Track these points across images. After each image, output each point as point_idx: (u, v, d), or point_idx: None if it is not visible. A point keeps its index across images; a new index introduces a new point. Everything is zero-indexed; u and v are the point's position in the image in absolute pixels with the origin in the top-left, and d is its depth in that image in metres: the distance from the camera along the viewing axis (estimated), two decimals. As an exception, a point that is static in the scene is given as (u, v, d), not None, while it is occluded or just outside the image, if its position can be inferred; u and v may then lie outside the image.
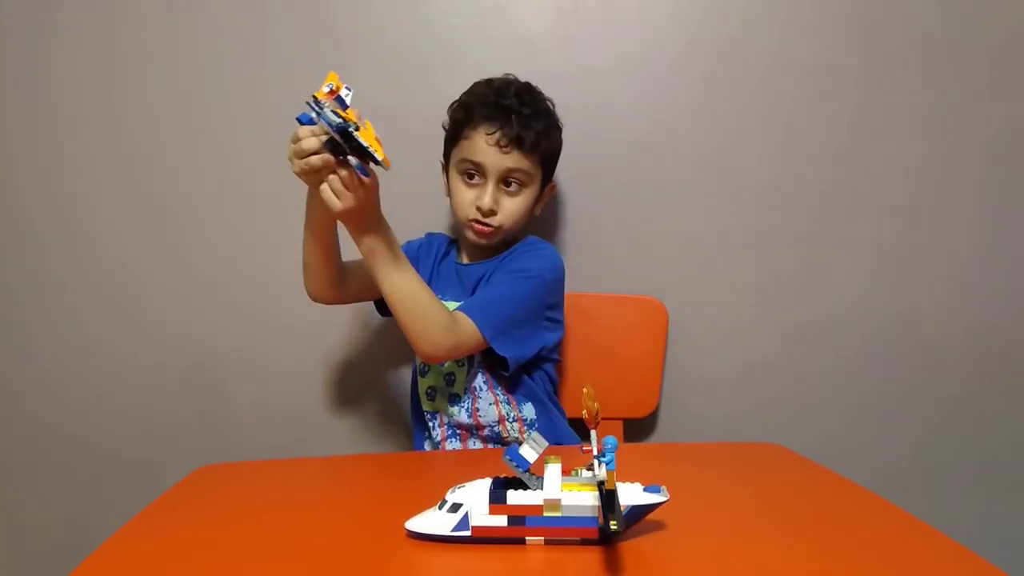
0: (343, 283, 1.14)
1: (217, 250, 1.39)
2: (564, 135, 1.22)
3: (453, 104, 1.19)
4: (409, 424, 1.27)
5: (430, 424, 1.20)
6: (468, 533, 0.67)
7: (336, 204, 0.91)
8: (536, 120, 1.14)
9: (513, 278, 1.13)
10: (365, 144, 0.85)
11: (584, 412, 0.65)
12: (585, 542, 0.67)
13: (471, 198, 1.15)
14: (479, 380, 1.16)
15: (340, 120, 0.85)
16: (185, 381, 1.41)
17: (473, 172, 1.15)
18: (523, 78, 1.20)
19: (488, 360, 1.14)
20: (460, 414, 1.16)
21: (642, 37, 1.34)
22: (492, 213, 1.14)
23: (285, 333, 1.39)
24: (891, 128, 1.36)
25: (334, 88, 0.86)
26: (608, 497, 0.62)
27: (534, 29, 1.34)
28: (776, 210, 1.38)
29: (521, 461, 0.66)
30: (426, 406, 1.20)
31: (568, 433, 1.21)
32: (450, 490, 0.69)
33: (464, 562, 0.66)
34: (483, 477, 0.70)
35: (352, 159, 0.89)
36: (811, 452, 0.98)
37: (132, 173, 1.38)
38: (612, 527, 0.59)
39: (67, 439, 1.42)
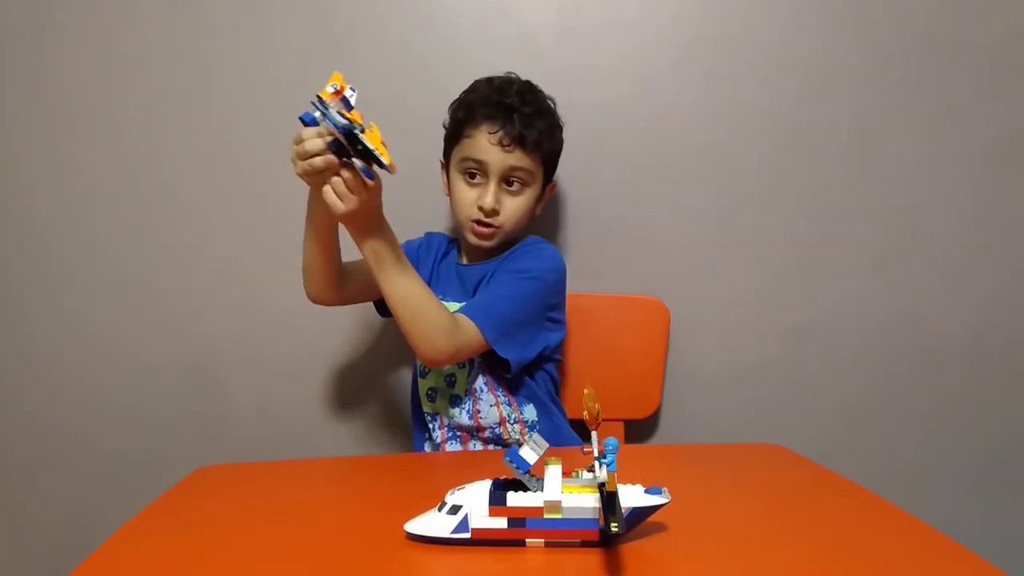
0: (343, 285, 1.14)
1: (217, 250, 1.39)
2: (565, 134, 1.21)
3: (454, 103, 1.19)
4: (409, 425, 1.27)
5: (430, 426, 1.20)
6: (468, 535, 0.67)
7: (339, 206, 0.90)
8: (538, 119, 1.14)
9: (514, 279, 1.12)
10: (371, 147, 0.85)
11: (585, 413, 0.65)
12: (586, 544, 0.67)
13: (472, 198, 1.14)
14: (480, 381, 1.15)
15: (346, 122, 0.84)
16: (185, 381, 1.41)
17: (475, 171, 1.14)
18: (524, 76, 1.19)
19: (489, 361, 1.13)
20: (461, 416, 1.15)
21: (644, 36, 1.34)
22: (494, 213, 1.14)
23: (285, 333, 1.39)
24: (891, 128, 1.36)
25: (339, 88, 0.84)
26: (609, 499, 0.62)
27: (536, 27, 1.34)
28: (777, 210, 1.38)
29: (521, 463, 0.66)
30: (426, 408, 1.20)
31: (569, 434, 1.21)
32: (450, 492, 0.69)
33: (464, 564, 0.66)
34: (483, 479, 0.70)
35: (357, 161, 0.88)
36: (811, 452, 0.98)
37: (132, 173, 1.38)
38: (613, 529, 0.58)
39: (67, 439, 1.42)
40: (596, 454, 0.66)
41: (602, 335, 1.34)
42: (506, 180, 1.15)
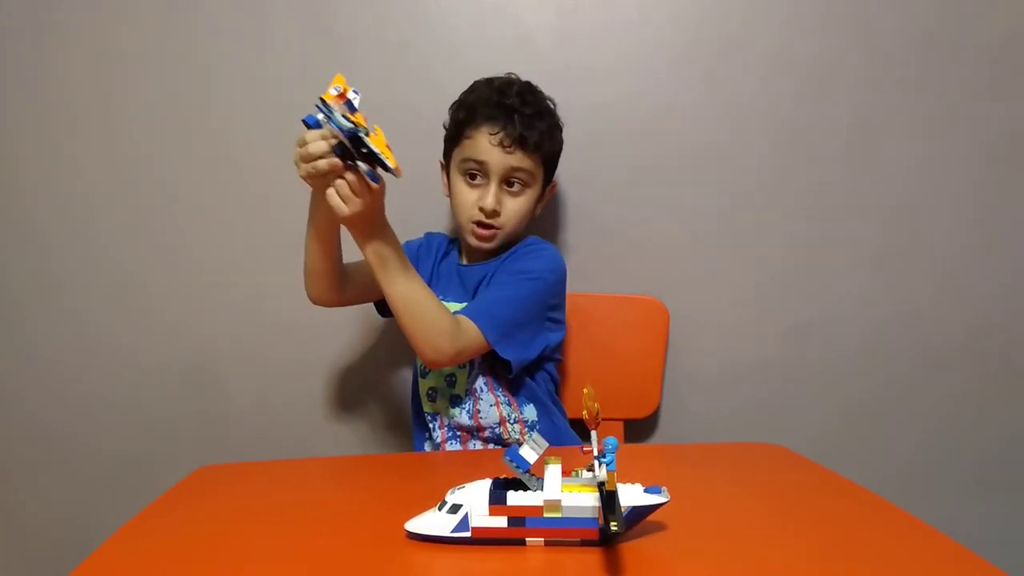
0: (344, 286, 1.14)
1: (217, 250, 1.39)
2: (564, 134, 1.22)
3: (454, 104, 1.19)
4: (409, 425, 1.27)
5: (431, 425, 1.20)
6: (468, 534, 0.67)
7: (343, 209, 0.90)
8: (539, 120, 1.14)
9: (515, 280, 1.12)
10: (377, 151, 0.85)
11: (584, 413, 0.65)
12: (585, 543, 0.67)
13: (473, 199, 1.15)
14: (480, 381, 1.15)
15: (351, 125, 0.84)
16: (185, 381, 1.41)
17: (475, 172, 1.14)
18: (523, 77, 1.19)
19: (490, 361, 1.13)
20: (461, 416, 1.15)
21: (642, 36, 1.34)
22: (495, 213, 1.14)
23: (285, 333, 1.39)
24: (891, 128, 1.36)
25: (342, 91, 0.84)
26: (608, 498, 0.62)
27: (534, 28, 1.34)
28: (776, 210, 1.38)
29: (521, 462, 0.66)
30: (427, 407, 1.20)
31: (569, 434, 1.21)
32: (450, 491, 0.69)
33: (464, 563, 0.66)
34: (483, 478, 0.70)
35: (362, 165, 0.88)
36: (811, 452, 0.98)
37: (132, 173, 1.38)
38: (612, 528, 0.58)
39: (67, 439, 1.42)
40: (596, 453, 0.66)
41: (602, 335, 1.34)
42: (507, 181, 1.15)
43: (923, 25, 1.34)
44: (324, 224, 1.03)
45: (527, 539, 0.68)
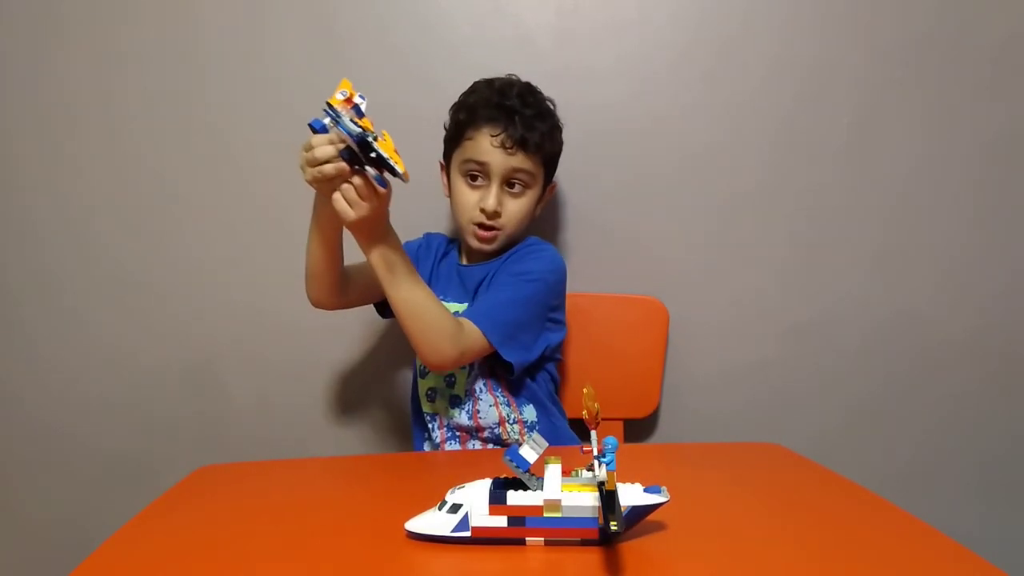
0: (345, 289, 1.14)
1: (217, 250, 1.39)
2: (564, 135, 1.22)
3: (454, 104, 1.19)
4: (409, 425, 1.27)
5: (430, 426, 1.20)
6: (468, 534, 0.67)
7: (349, 214, 0.90)
8: (540, 121, 1.14)
9: (516, 281, 1.12)
10: (386, 156, 0.85)
11: (584, 412, 0.65)
12: (585, 543, 0.67)
13: (474, 200, 1.15)
14: (480, 382, 1.15)
15: (360, 130, 0.84)
16: (185, 381, 1.41)
17: (477, 173, 1.14)
18: (523, 77, 1.19)
19: (490, 362, 1.13)
20: (460, 416, 1.15)
21: (641, 37, 1.34)
22: (497, 215, 1.14)
23: (285, 333, 1.39)
24: (891, 128, 1.36)
25: (348, 95, 0.84)
26: (608, 498, 0.62)
27: (534, 28, 1.34)
28: (776, 210, 1.38)
29: (521, 461, 0.66)
30: (426, 408, 1.20)
31: (568, 435, 1.21)
32: (450, 491, 0.69)
33: (464, 563, 0.66)
34: (483, 478, 0.70)
35: (370, 170, 0.87)
36: (811, 452, 0.98)
37: (132, 173, 1.38)
38: (612, 528, 0.59)
39: (67, 439, 1.42)
40: (595, 453, 0.66)
41: (602, 335, 1.34)
42: (507, 182, 1.15)
43: (923, 25, 1.34)
44: (328, 227, 1.03)
45: (527, 539, 0.68)
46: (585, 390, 0.65)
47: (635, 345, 1.35)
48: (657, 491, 0.67)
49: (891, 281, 1.39)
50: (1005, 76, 1.35)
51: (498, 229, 1.15)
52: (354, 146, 0.86)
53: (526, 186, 1.16)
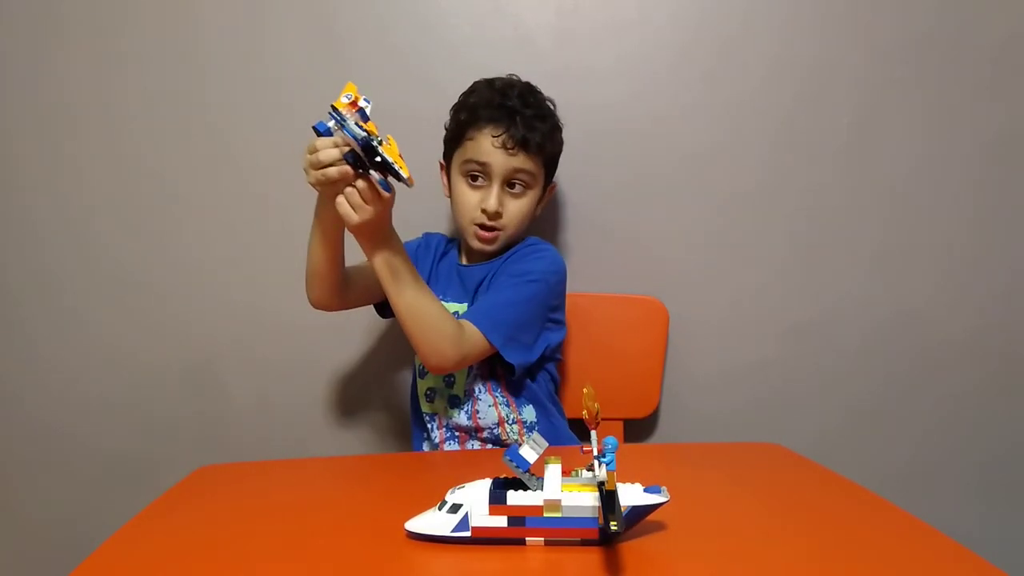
0: (346, 291, 1.14)
1: (217, 250, 1.39)
2: (564, 135, 1.22)
3: (455, 105, 1.19)
4: (409, 425, 1.27)
5: (429, 426, 1.20)
6: (468, 534, 0.67)
7: (352, 217, 0.90)
8: (540, 121, 1.14)
9: (517, 282, 1.12)
10: (391, 160, 0.85)
11: (584, 412, 0.65)
12: (585, 543, 0.67)
13: (475, 200, 1.14)
14: (479, 382, 1.15)
15: (365, 134, 0.84)
16: (185, 381, 1.41)
17: (477, 174, 1.14)
18: (523, 77, 1.19)
19: (489, 362, 1.13)
20: (459, 416, 1.15)
21: (642, 37, 1.34)
22: (498, 215, 1.14)
23: (285, 333, 1.39)
24: (891, 128, 1.36)
25: (353, 99, 0.84)
26: (608, 498, 0.62)
27: (534, 28, 1.34)
28: (776, 210, 1.38)
29: (521, 461, 0.66)
30: (425, 408, 1.20)
31: (568, 435, 1.21)
32: (450, 491, 0.69)
33: (464, 563, 0.66)
34: (483, 478, 0.70)
35: (375, 174, 0.87)
36: (811, 452, 0.98)
37: (132, 173, 1.38)
38: (612, 528, 0.59)
39: (67, 439, 1.42)
40: (595, 453, 0.66)
41: (602, 335, 1.34)
42: (508, 183, 1.15)
43: (923, 25, 1.34)
44: (330, 229, 1.03)
45: (527, 539, 0.68)
46: (585, 390, 0.65)
47: (635, 345, 1.35)
48: (657, 491, 0.67)
49: (891, 281, 1.39)
50: (1005, 76, 1.35)
51: (499, 229, 1.15)
52: (359, 150, 0.86)
53: (527, 186, 1.16)
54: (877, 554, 0.68)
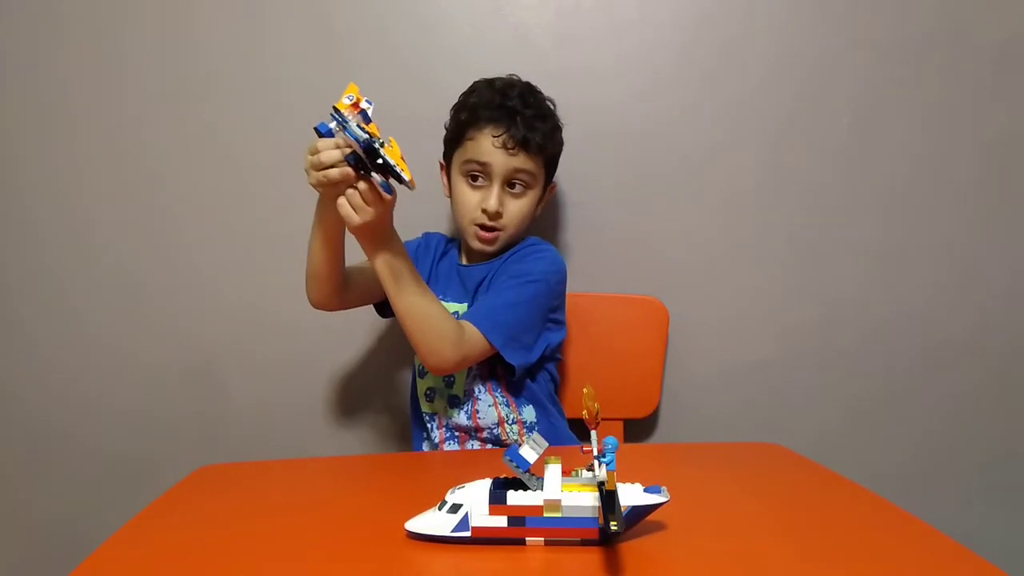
0: (346, 291, 1.14)
1: (217, 250, 1.39)
2: (564, 135, 1.21)
3: (455, 105, 1.19)
4: (409, 425, 1.27)
5: (428, 425, 1.20)
6: (468, 534, 0.67)
7: (354, 219, 0.90)
8: (541, 121, 1.14)
9: (517, 283, 1.12)
10: (393, 163, 0.85)
11: (584, 412, 0.65)
12: (585, 543, 0.67)
13: (476, 200, 1.14)
14: (479, 382, 1.15)
15: (367, 136, 0.84)
16: (185, 381, 1.41)
17: (478, 174, 1.14)
18: (523, 78, 1.19)
19: (489, 363, 1.13)
20: (459, 416, 1.15)
21: (642, 37, 1.34)
22: (498, 215, 1.14)
23: (285, 333, 1.39)
24: (891, 128, 1.36)
25: (355, 100, 0.84)
26: (608, 498, 0.62)
27: (534, 28, 1.34)
28: (776, 210, 1.38)
29: (521, 461, 0.66)
30: (425, 407, 1.20)
31: (567, 435, 1.21)
32: (450, 491, 0.69)
33: (464, 563, 0.66)
34: (483, 478, 0.70)
35: (376, 176, 0.87)
36: (811, 452, 0.98)
37: (132, 173, 1.38)
38: (612, 528, 0.59)
39: (67, 439, 1.42)
40: (595, 453, 0.66)
41: (602, 335, 1.34)
42: (509, 183, 1.15)
43: (923, 25, 1.34)
44: (331, 230, 1.02)
45: (527, 539, 0.68)
46: (585, 390, 0.65)
47: (635, 345, 1.35)
48: (657, 491, 0.67)
49: (891, 281, 1.39)
50: (1005, 76, 1.35)
51: (499, 230, 1.15)
52: (360, 152, 0.85)
53: (527, 186, 1.16)
54: (877, 554, 0.68)
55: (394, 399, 1.42)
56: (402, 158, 0.86)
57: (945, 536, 0.70)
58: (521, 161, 1.12)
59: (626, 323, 1.36)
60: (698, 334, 1.39)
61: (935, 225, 1.38)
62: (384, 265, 0.96)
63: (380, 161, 0.85)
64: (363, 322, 1.37)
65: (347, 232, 0.99)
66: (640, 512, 0.67)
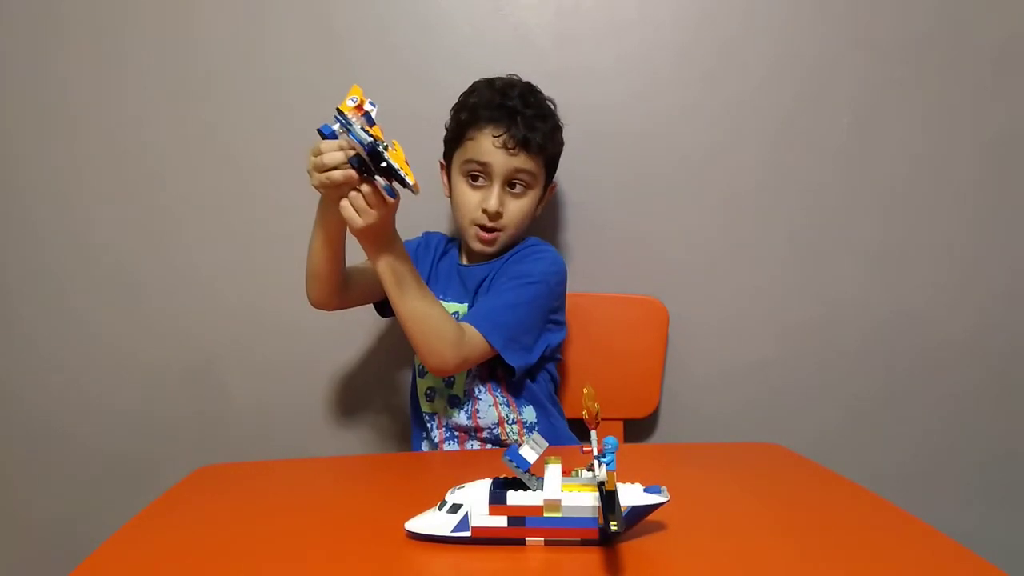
0: (346, 291, 1.14)
1: (217, 250, 1.39)
2: (564, 135, 1.21)
3: (455, 105, 1.19)
4: (409, 425, 1.27)
5: (428, 425, 1.20)
6: (468, 534, 0.67)
7: (357, 221, 0.90)
8: (541, 121, 1.14)
9: (517, 284, 1.12)
10: (396, 166, 0.84)
11: (584, 412, 0.65)
12: (585, 543, 0.67)
13: (476, 200, 1.14)
14: (479, 382, 1.15)
15: (371, 139, 0.84)
16: (185, 381, 1.41)
17: (478, 174, 1.14)
18: (523, 78, 1.19)
19: (490, 363, 1.13)
20: (459, 416, 1.15)
21: (642, 37, 1.34)
22: (498, 215, 1.13)
23: (285, 333, 1.39)
24: (891, 128, 1.36)
25: (359, 102, 0.84)
26: (608, 498, 0.62)
27: (534, 28, 1.34)
28: (776, 210, 1.38)
29: (521, 461, 0.66)
30: (425, 407, 1.20)
31: (567, 436, 1.21)
32: (450, 491, 0.69)
33: (464, 563, 0.66)
34: (483, 478, 0.70)
35: (380, 179, 0.87)
36: (811, 452, 0.98)
37: (132, 173, 1.38)
38: (612, 528, 0.59)
39: (67, 439, 1.42)
40: (595, 453, 0.66)
41: (602, 335, 1.34)
42: (509, 182, 1.14)
43: (923, 25, 1.34)
44: (333, 231, 1.02)
45: (527, 539, 0.68)
46: (585, 390, 0.65)
47: (635, 345, 1.35)
48: (657, 491, 0.67)
49: (891, 281, 1.39)
50: (1005, 76, 1.35)
51: (499, 230, 1.15)
52: (364, 155, 0.85)
53: (527, 186, 1.16)
54: (877, 554, 0.68)
55: (394, 399, 1.42)
56: (406, 162, 0.86)
57: (945, 536, 0.70)
58: (521, 161, 1.12)
59: (626, 323, 1.36)
60: (698, 334, 1.39)
61: (935, 225, 1.38)
62: (386, 268, 0.96)
63: (384, 164, 0.85)
64: (363, 322, 1.37)
65: (348, 233, 0.99)
66: (640, 512, 0.67)
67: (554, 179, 1.24)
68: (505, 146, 1.11)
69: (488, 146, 1.11)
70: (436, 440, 1.19)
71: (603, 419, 0.67)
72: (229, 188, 1.38)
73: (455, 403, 1.16)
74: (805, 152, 1.36)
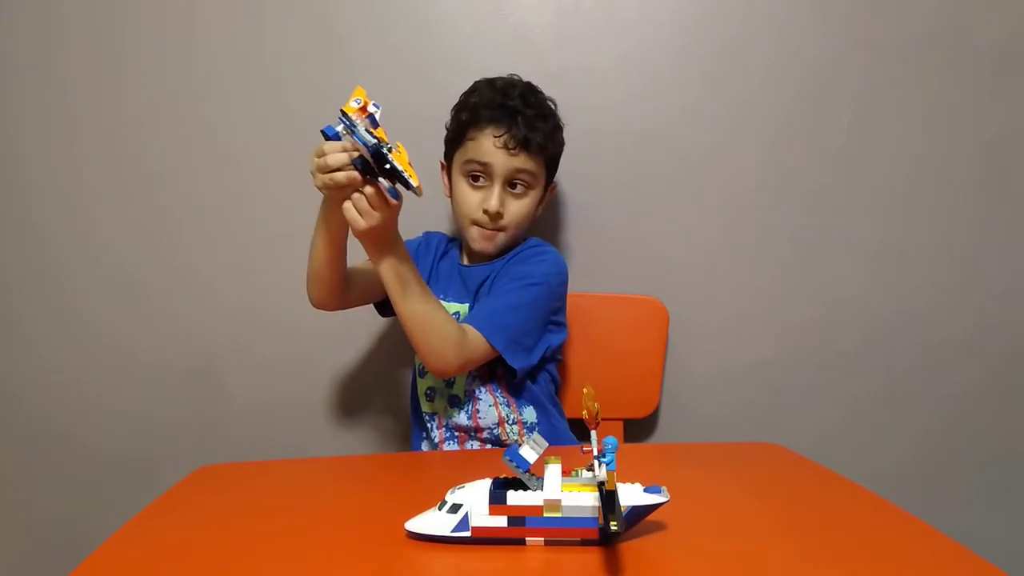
0: (347, 291, 1.14)
1: (217, 250, 1.39)
2: (564, 135, 1.21)
3: (456, 105, 1.19)
4: (409, 425, 1.27)
5: (428, 425, 1.20)
6: (468, 534, 0.67)
7: (359, 223, 0.90)
8: (542, 121, 1.14)
9: (519, 286, 1.12)
10: (400, 168, 0.84)
11: (584, 412, 0.65)
12: (585, 543, 0.67)
13: (477, 200, 1.14)
14: (479, 383, 1.15)
15: (375, 140, 0.83)
16: (185, 381, 1.41)
17: (479, 174, 1.14)
18: (524, 78, 1.19)
19: (491, 363, 1.13)
20: (459, 416, 1.15)
21: (642, 37, 1.34)
22: (499, 215, 1.13)
23: (285, 333, 1.39)
24: (891, 128, 1.36)
25: (363, 104, 0.84)
26: (608, 498, 0.62)
27: (534, 28, 1.34)
28: (776, 210, 1.38)
29: (521, 461, 0.66)
30: (425, 407, 1.20)
31: (567, 436, 1.21)
32: (450, 491, 0.69)
33: (464, 563, 0.66)
34: (483, 478, 0.70)
35: (383, 181, 0.87)
36: (811, 452, 0.98)
37: (132, 173, 1.38)
38: (612, 528, 0.59)
39: (67, 439, 1.42)
40: (595, 453, 0.66)
41: (602, 335, 1.34)
42: (510, 183, 1.14)
43: (923, 25, 1.34)
44: (334, 232, 1.02)
45: (527, 539, 0.68)
46: (585, 390, 0.65)
47: (635, 345, 1.35)
48: (657, 491, 0.67)
49: (891, 281, 1.39)
50: (1005, 76, 1.35)
51: (500, 230, 1.15)
52: (368, 157, 0.85)
53: (528, 186, 1.16)
54: (877, 554, 0.68)
55: (394, 399, 1.42)
56: (410, 164, 0.86)
57: (945, 536, 0.70)
58: (522, 161, 1.12)
59: (626, 323, 1.36)
60: (698, 334, 1.39)
61: (935, 225, 1.38)
62: (389, 270, 0.96)
63: (388, 166, 0.85)
64: (363, 322, 1.37)
65: (350, 234, 0.99)
66: (640, 512, 0.67)
67: (555, 179, 1.24)
68: (506, 146, 1.11)
69: (489, 146, 1.11)
70: (436, 440, 1.19)
71: (603, 419, 0.67)
72: (229, 188, 1.38)
73: (455, 403, 1.16)
74: (805, 152, 1.36)
